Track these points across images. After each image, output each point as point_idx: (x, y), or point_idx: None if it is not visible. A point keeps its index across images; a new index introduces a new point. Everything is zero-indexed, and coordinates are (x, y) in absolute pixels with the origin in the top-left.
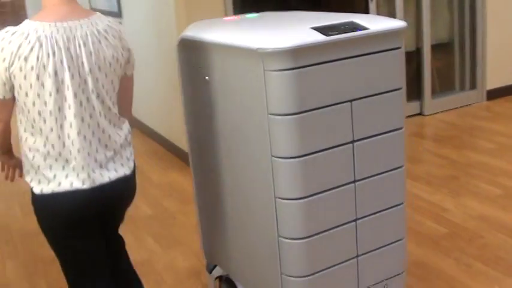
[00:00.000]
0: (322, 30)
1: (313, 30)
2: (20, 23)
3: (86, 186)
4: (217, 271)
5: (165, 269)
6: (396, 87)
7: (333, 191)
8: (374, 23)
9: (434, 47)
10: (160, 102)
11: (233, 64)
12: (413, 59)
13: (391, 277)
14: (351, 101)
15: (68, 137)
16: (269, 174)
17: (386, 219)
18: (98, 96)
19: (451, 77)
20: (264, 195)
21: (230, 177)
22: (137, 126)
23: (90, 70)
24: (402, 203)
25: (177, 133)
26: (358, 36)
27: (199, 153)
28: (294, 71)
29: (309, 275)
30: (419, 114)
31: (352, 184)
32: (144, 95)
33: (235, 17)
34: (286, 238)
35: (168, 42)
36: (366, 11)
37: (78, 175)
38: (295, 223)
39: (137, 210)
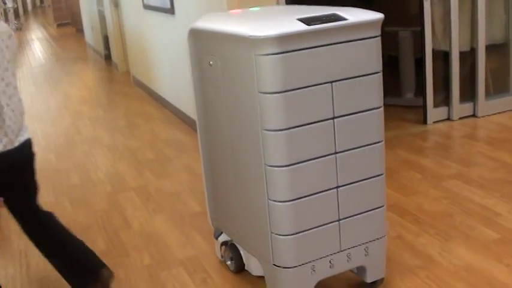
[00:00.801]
0: (306, 20)
1: (298, 21)
2: (75, 18)
3: (15, 145)
4: (223, 237)
5: (213, 267)
6: (374, 70)
7: (315, 160)
8: (354, 15)
9: (489, 48)
10: None
11: (230, 50)
12: (467, 59)
13: (371, 241)
14: (331, 82)
15: (7, 105)
16: (259, 144)
17: (366, 188)
18: (15, 78)
19: (506, 79)
20: (256, 163)
21: (230, 148)
22: (184, 120)
23: (8, 60)
24: (382, 174)
25: None
26: (336, 26)
27: (206, 128)
28: (280, 55)
29: (294, 234)
30: (473, 115)
31: (333, 155)
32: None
33: (240, 10)
34: (275, 201)
35: None
36: (420, 10)
37: (10, 139)
38: (282, 188)
39: (185, 207)
